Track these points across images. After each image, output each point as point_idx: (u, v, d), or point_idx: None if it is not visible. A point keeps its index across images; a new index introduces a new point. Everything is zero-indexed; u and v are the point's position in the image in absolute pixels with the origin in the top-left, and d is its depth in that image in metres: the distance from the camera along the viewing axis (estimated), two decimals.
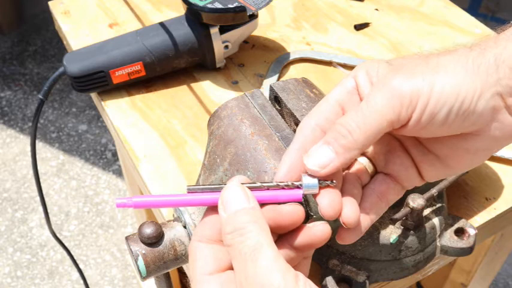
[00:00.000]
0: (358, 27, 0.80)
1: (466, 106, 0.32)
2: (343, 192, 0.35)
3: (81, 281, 1.46)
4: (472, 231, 0.53)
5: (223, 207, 0.33)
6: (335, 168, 0.34)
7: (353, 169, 0.37)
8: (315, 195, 0.34)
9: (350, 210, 0.34)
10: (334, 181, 0.34)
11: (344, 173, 0.37)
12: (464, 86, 0.32)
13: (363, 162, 0.38)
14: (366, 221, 0.36)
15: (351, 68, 0.76)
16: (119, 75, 0.70)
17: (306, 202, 0.39)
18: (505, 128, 0.34)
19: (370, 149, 0.38)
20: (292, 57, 0.77)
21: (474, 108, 0.33)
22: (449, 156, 0.36)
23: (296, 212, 0.35)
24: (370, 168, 0.38)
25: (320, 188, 0.34)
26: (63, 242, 0.93)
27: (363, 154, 0.38)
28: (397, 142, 0.38)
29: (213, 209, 0.35)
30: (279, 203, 0.35)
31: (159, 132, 0.68)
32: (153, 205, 0.36)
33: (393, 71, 0.34)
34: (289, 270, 0.30)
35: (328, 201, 0.34)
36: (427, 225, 0.51)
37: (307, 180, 0.34)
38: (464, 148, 0.35)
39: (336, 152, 0.33)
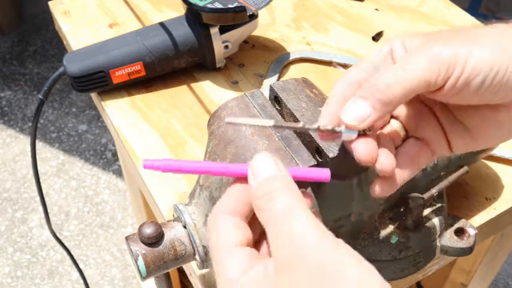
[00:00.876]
0: (376, 37, 0.80)
1: (500, 77, 0.34)
2: (378, 145, 0.36)
3: (81, 281, 1.46)
4: (472, 231, 0.53)
5: (253, 176, 0.33)
6: (372, 122, 0.35)
7: (386, 130, 0.39)
8: (351, 142, 0.35)
9: (386, 158, 0.36)
10: (371, 131, 0.36)
11: (378, 133, 0.38)
12: (500, 59, 0.34)
13: (395, 126, 0.39)
14: (401, 176, 0.37)
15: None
16: (119, 75, 0.70)
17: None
18: None
19: (402, 114, 0.39)
20: (292, 57, 0.77)
21: (507, 81, 0.34)
22: (478, 127, 0.37)
23: None
24: (402, 131, 0.39)
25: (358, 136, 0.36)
26: (63, 242, 0.93)
27: (396, 118, 0.40)
28: (429, 109, 0.39)
29: (238, 181, 0.34)
30: (306, 182, 0.35)
31: (159, 132, 0.68)
32: (181, 170, 0.35)
33: (432, 40, 0.36)
34: (327, 232, 0.29)
35: (365, 147, 0.35)
36: (427, 225, 0.51)
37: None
38: (494, 120, 0.37)
39: (373, 107, 0.35)
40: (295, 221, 0.29)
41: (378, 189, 0.37)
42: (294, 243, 0.29)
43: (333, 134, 0.36)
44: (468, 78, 0.34)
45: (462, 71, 0.34)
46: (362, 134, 0.36)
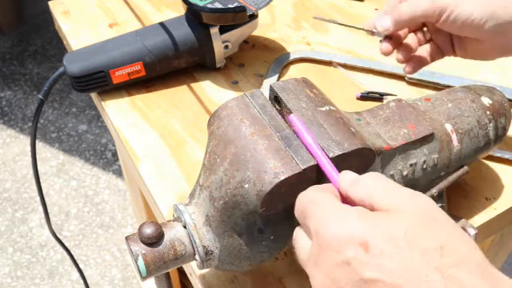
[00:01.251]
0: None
1: (475, 22, 0.53)
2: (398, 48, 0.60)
3: (81, 281, 1.46)
4: (472, 231, 0.53)
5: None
6: (391, 32, 0.57)
7: (417, 32, 0.60)
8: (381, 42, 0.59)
9: (398, 54, 0.60)
10: (392, 38, 0.59)
11: (409, 32, 0.60)
12: (479, 10, 0.53)
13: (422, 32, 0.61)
14: (420, 57, 0.60)
15: (351, 68, 0.76)
16: (119, 75, 0.70)
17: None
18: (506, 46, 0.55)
19: (429, 27, 0.60)
20: (292, 57, 0.77)
21: (479, 25, 0.53)
22: (468, 47, 0.58)
23: None
24: (427, 35, 0.60)
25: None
26: (63, 242, 0.93)
27: (425, 28, 0.61)
28: (444, 33, 0.59)
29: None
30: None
31: (159, 132, 0.68)
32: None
33: None
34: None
35: (385, 45, 0.59)
36: None
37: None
38: (476, 45, 0.56)
39: (391, 22, 0.56)
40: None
41: (407, 68, 0.60)
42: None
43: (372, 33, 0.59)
44: (453, 20, 0.54)
45: (450, 14, 0.53)
46: (387, 38, 0.58)
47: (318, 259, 0.33)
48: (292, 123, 0.45)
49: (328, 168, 0.41)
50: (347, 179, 0.38)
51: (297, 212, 0.38)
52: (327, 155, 0.42)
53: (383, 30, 0.57)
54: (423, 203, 0.33)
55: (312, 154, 0.42)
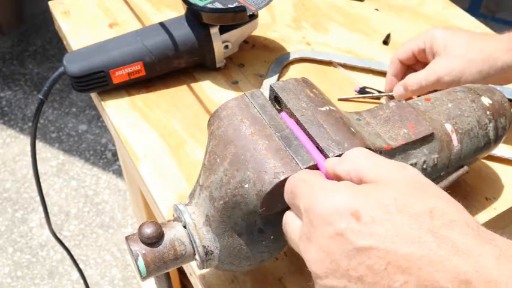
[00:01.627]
0: (387, 40, 0.80)
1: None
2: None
3: (81, 281, 1.46)
4: None
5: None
6: (404, 97, 0.65)
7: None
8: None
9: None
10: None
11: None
12: (478, 77, 0.61)
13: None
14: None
15: (351, 68, 0.76)
16: (119, 75, 0.70)
17: None
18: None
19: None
20: (292, 57, 0.77)
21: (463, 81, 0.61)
22: None
23: None
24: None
25: None
26: (63, 242, 0.93)
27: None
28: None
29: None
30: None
31: (159, 132, 0.68)
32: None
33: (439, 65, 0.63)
34: None
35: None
36: None
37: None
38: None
39: (404, 89, 0.66)
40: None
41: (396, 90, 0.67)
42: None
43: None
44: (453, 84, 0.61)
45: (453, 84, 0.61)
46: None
47: (311, 235, 0.34)
48: (284, 120, 0.45)
49: (315, 154, 0.42)
50: (333, 159, 0.39)
51: (287, 194, 0.38)
52: (318, 148, 0.43)
53: (399, 97, 0.66)
54: (411, 173, 0.35)
55: (298, 139, 0.44)
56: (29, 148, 1.88)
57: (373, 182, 0.34)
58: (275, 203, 0.42)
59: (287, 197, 0.38)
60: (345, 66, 0.77)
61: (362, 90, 0.72)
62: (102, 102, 0.72)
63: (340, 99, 0.71)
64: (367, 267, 0.31)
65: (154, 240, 0.45)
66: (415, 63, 0.68)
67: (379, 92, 0.72)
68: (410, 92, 0.65)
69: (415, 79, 0.64)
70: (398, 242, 0.30)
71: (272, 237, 0.45)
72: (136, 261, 0.45)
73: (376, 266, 0.30)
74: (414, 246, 0.30)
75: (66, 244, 1.53)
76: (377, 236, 0.31)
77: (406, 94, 0.65)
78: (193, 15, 0.70)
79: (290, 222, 0.38)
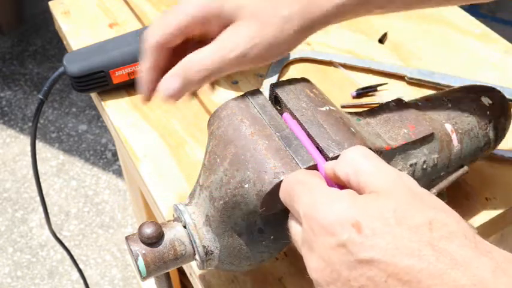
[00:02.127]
0: (382, 39, 0.80)
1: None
2: None
3: (81, 281, 1.46)
4: None
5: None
6: (182, 92, 0.46)
7: None
8: None
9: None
10: None
11: None
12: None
13: None
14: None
15: (351, 68, 0.76)
16: (119, 75, 0.70)
17: None
18: None
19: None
20: (292, 57, 0.77)
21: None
22: None
23: None
24: None
25: None
26: (63, 242, 0.93)
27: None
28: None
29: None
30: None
31: (159, 132, 0.68)
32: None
33: None
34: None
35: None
36: None
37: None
38: None
39: (182, 79, 0.45)
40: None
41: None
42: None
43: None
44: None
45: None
46: None
47: (312, 243, 0.34)
48: (286, 121, 0.45)
49: (315, 154, 0.42)
50: (332, 162, 0.39)
51: (283, 194, 0.38)
52: (320, 150, 0.43)
53: (172, 93, 0.47)
54: (408, 183, 0.35)
55: (298, 138, 0.44)
56: (29, 148, 1.88)
57: (372, 191, 0.34)
58: (275, 203, 0.42)
59: (283, 196, 0.38)
60: (345, 66, 0.76)
61: (359, 93, 0.72)
62: (102, 102, 0.72)
63: (342, 107, 0.71)
64: (368, 279, 0.31)
65: (154, 240, 0.45)
66: (185, 45, 0.46)
67: (373, 87, 0.71)
68: (194, 82, 0.44)
69: (201, 59, 0.43)
70: (398, 255, 0.30)
71: (272, 237, 0.45)
72: (136, 261, 0.45)
73: (376, 277, 0.31)
74: (414, 259, 0.30)
75: (66, 244, 1.53)
76: (378, 248, 0.31)
77: (185, 87, 0.44)
78: None
79: (292, 226, 0.38)
